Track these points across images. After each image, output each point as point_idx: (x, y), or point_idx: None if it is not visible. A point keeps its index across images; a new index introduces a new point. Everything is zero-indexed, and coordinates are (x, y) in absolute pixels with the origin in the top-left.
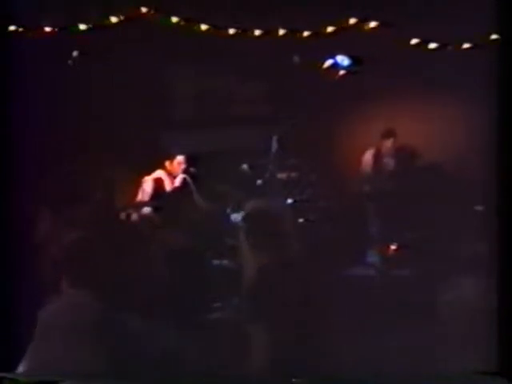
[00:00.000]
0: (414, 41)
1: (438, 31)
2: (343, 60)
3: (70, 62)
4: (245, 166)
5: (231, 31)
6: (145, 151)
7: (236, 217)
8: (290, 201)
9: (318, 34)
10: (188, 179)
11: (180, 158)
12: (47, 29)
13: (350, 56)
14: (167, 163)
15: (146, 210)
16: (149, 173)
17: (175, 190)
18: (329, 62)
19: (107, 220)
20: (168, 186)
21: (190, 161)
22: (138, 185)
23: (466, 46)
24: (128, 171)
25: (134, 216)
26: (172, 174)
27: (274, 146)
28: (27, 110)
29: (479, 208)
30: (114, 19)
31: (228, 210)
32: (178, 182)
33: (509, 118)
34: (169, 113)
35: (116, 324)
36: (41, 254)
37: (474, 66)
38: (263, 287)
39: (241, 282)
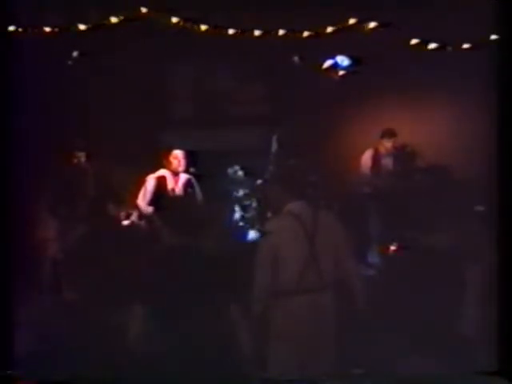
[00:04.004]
0: (413, 41)
1: (438, 31)
2: (343, 60)
3: (69, 61)
4: (236, 168)
5: (231, 31)
6: (145, 150)
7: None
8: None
9: (318, 34)
10: (193, 180)
11: (176, 153)
12: (47, 29)
13: (350, 56)
14: (164, 158)
15: (148, 209)
16: (148, 171)
17: (179, 194)
18: (329, 63)
19: (106, 219)
20: (171, 185)
21: (188, 158)
22: (135, 183)
23: (465, 46)
24: (127, 169)
25: (135, 216)
26: (174, 172)
27: (274, 146)
28: (27, 110)
29: (479, 208)
30: (113, 19)
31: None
32: (181, 183)
33: (508, 118)
34: (168, 112)
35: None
36: (41, 253)
37: (474, 66)
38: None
39: (244, 282)
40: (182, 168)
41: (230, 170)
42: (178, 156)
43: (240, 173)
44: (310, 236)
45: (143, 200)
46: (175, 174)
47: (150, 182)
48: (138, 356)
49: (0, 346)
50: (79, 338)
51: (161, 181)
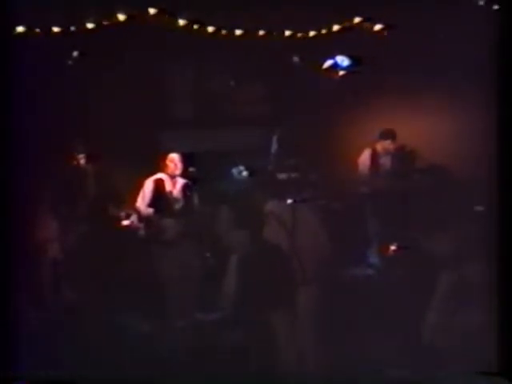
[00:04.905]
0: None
1: (437, 31)
2: (343, 60)
3: (69, 61)
4: (241, 168)
5: (232, 31)
6: (145, 150)
7: None
8: (289, 201)
9: (318, 34)
10: (190, 184)
11: (172, 156)
12: (47, 29)
13: (350, 56)
14: (160, 162)
15: (148, 210)
16: (148, 171)
17: (177, 197)
18: (329, 63)
19: (106, 219)
20: (169, 188)
21: (186, 160)
22: (135, 183)
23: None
24: (127, 170)
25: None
26: (172, 175)
27: (274, 146)
28: (27, 110)
29: (479, 208)
30: (114, 19)
31: None
32: (179, 187)
33: (508, 118)
34: (168, 112)
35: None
36: (41, 253)
37: (474, 66)
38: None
39: (244, 283)
40: (178, 171)
41: (234, 171)
42: (174, 159)
43: (245, 173)
44: (293, 234)
45: (142, 202)
46: (172, 176)
47: (148, 184)
48: (138, 356)
49: (0, 346)
50: (79, 337)
51: (159, 183)
